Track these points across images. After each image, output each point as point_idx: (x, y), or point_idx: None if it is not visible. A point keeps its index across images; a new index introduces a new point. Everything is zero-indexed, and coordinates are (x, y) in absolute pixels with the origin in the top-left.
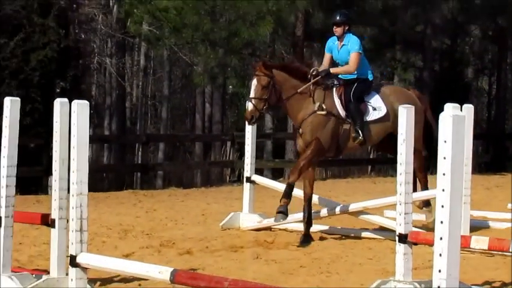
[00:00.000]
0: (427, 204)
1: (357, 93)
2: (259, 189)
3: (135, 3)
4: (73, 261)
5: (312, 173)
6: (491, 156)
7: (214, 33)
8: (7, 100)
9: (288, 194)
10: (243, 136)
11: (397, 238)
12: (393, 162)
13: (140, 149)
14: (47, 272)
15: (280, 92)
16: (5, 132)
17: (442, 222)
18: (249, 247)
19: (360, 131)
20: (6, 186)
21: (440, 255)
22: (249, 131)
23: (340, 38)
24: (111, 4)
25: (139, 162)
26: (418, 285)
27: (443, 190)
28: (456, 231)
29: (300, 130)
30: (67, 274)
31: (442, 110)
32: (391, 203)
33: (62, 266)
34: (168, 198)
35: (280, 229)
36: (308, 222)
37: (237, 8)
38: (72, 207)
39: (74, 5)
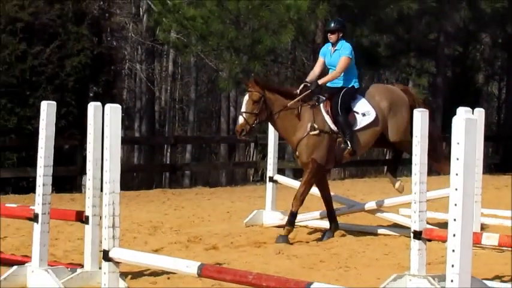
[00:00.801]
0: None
1: (343, 104)
2: (281, 188)
3: (164, 13)
4: (106, 256)
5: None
6: (501, 157)
7: (238, 41)
8: (44, 104)
9: (291, 223)
10: (266, 138)
11: (412, 235)
12: (408, 163)
13: (168, 150)
14: (81, 265)
15: (271, 109)
16: (42, 134)
17: (455, 219)
18: (271, 243)
19: (348, 142)
20: (43, 184)
21: (453, 251)
22: (272, 133)
23: (334, 44)
24: (141, 13)
25: (168, 162)
26: (431, 279)
27: (456, 189)
28: (468, 229)
29: (297, 153)
30: (100, 268)
31: (454, 113)
32: (406, 202)
33: (95, 260)
34: (195, 197)
35: (301, 226)
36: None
37: (260, 17)
38: (105, 205)
39: (107, 14)
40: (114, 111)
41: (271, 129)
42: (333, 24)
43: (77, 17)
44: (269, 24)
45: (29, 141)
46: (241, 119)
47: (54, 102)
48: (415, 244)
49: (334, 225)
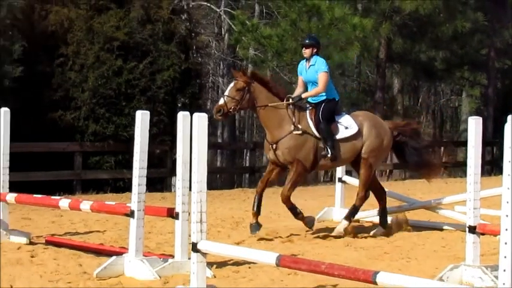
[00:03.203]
0: (348, 218)
1: (325, 113)
2: (349, 188)
3: (243, 32)
4: (194, 248)
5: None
6: None
7: None
8: (138, 113)
9: (297, 213)
10: None
11: (467, 229)
12: (462, 165)
13: (248, 154)
14: (172, 256)
15: (254, 99)
16: (137, 140)
17: (507, 215)
18: (340, 236)
19: (328, 149)
20: (138, 184)
21: (506, 243)
22: None
23: (308, 59)
24: (223, 33)
25: (247, 165)
26: (485, 269)
27: (508, 188)
28: None
29: (274, 146)
30: (189, 258)
31: (505, 121)
32: (461, 200)
33: (184, 251)
34: (272, 195)
35: (367, 221)
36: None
37: (329, 35)
38: (194, 202)
39: (193, 34)
40: (200, 119)
41: None
42: (307, 40)
43: (166, 36)
44: (337, 41)
45: (124, 146)
46: (221, 100)
47: (148, 112)
48: (470, 237)
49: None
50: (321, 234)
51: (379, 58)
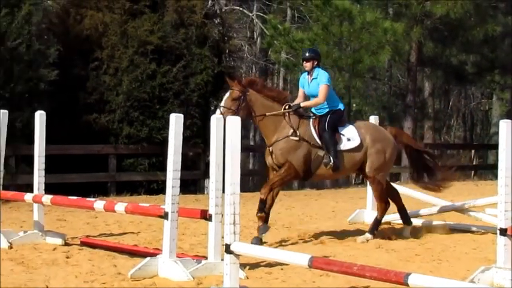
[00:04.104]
0: (371, 231)
1: (331, 123)
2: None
3: (276, 36)
4: (228, 249)
5: (277, 191)
6: None
7: (341, 60)
8: (172, 116)
9: (262, 209)
10: None
11: (498, 232)
12: (492, 167)
13: None
14: (205, 257)
15: (251, 108)
16: (171, 143)
17: None
18: (371, 239)
19: (331, 158)
20: (172, 186)
21: None
22: None
23: (310, 72)
24: (255, 37)
25: None
26: None
27: None
28: None
29: (270, 149)
30: (222, 259)
31: None
32: (492, 203)
33: (217, 253)
34: (303, 198)
35: (398, 224)
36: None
37: (360, 39)
38: (227, 204)
39: (225, 38)
40: (234, 122)
41: None
42: (307, 54)
43: (199, 40)
44: (368, 45)
45: (158, 148)
46: (217, 112)
47: (181, 115)
48: (501, 240)
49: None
50: (353, 236)
51: (410, 62)
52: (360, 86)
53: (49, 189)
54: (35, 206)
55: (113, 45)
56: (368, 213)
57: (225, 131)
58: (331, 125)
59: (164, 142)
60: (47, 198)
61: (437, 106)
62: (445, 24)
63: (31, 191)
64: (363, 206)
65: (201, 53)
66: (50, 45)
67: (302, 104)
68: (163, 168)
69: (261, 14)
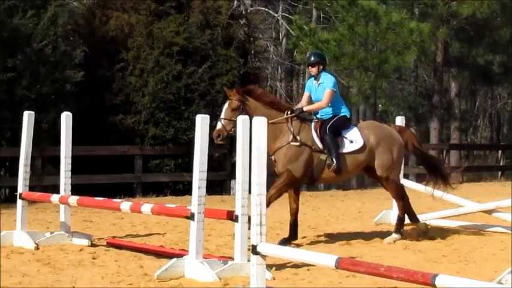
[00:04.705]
0: (398, 230)
1: (333, 127)
2: (406, 191)
3: (301, 37)
4: (254, 250)
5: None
6: None
7: (367, 61)
8: (198, 117)
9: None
10: None
11: None
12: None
13: None
14: (232, 258)
15: (251, 117)
16: (197, 143)
17: None
18: (398, 239)
19: (333, 160)
20: (198, 187)
21: None
22: None
23: (316, 77)
24: (280, 37)
25: None
26: None
27: None
28: None
29: (273, 157)
30: (248, 260)
31: None
32: None
33: (244, 253)
34: (329, 198)
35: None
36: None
37: (386, 40)
38: (254, 205)
39: (251, 39)
40: (260, 123)
41: None
42: (312, 58)
43: (225, 41)
44: (394, 45)
45: (184, 149)
46: (219, 125)
47: (207, 116)
48: None
49: (293, 237)
50: (379, 237)
51: (436, 62)
52: (386, 87)
53: (75, 190)
54: (62, 207)
55: (138, 46)
56: (394, 214)
57: (251, 132)
58: (333, 128)
59: (190, 143)
60: (74, 199)
61: (464, 106)
62: (472, 24)
63: (57, 192)
64: (389, 207)
65: (226, 53)
66: (76, 47)
67: (305, 108)
68: (189, 169)
69: (287, 15)
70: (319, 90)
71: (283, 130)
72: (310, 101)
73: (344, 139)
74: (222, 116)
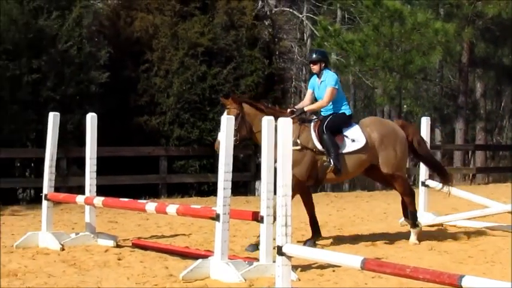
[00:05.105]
0: (414, 225)
1: (330, 125)
2: (432, 192)
3: (326, 37)
4: (280, 251)
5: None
6: None
7: (392, 61)
8: (224, 118)
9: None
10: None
11: None
12: None
13: None
14: (257, 259)
15: (251, 125)
16: (222, 145)
17: None
18: (424, 240)
19: (331, 160)
20: (224, 188)
21: None
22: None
23: (318, 75)
24: (305, 38)
25: None
26: None
27: None
28: None
29: (276, 165)
30: (274, 261)
31: None
32: None
33: (269, 254)
34: (355, 199)
35: (450, 225)
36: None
37: (411, 40)
38: (279, 206)
39: (276, 39)
40: (286, 124)
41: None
42: (314, 55)
43: (250, 42)
44: (419, 46)
45: (209, 150)
46: (219, 136)
47: (233, 117)
48: None
49: (317, 235)
50: (404, 238)
51: (461, 62)
52: (411, 87)
53: (100, 191)
54: (87, 208)
55: (163, 47)
56: (420, 215)
57: (277, 133)
58: (330, 126)
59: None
60: (99, 200)
61: (489, 107)
62: (497, 25)
63: (82, 193)
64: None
65: (251, 54)
66: (101, 48)
67: (306, 108)
68: (213, 170)
69: (311, 15)
70: (321, 88)
71: None
72: (314, 99)
73: (345, 138)
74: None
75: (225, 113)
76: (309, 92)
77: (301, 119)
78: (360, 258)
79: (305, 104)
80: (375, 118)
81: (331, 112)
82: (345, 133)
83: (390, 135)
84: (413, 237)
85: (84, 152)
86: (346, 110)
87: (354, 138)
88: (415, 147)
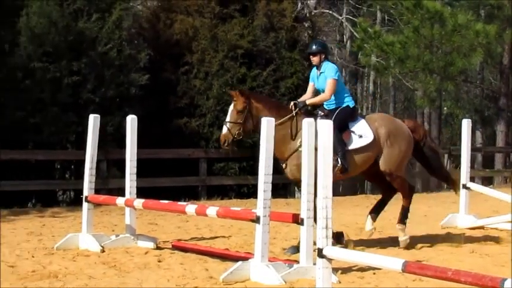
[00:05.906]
0: (402, 221)
1: (337, 121)
2: (473, 194)
3: (366, 39)
4: (320, 253)
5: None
6: None
7: (432, 63)
8: (264, 120)
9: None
10: (458, 149)
11: None
12: None
13: None
14: (297, 262)
15: (257, 119)
16: (263, 146)
17: None
18: (465, 243)
19: (338, 159)
20: (264, 190)
21: None
22: (465, 145)
23: (318, 67)
24: (345, 40)
25: None
26: None
27: None
28: None
29: (284, 165)
30: (314, 264)
31: None
32: None
33: (309, 257)
34: (395, 202)
35: (491, 228)
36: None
37: (452, 42)
38: (320, 208)
39: None
40: (325, 126)
41: (464, 142)
42: (314, 47)
43: (289, 43)
44: (460, 48)
45: (249, 152)
46: (224, 129)
47: (273, 119)
48: None
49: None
50: (446, 241)
51: (502, 64)
52: (452, 89)
53: (139, 193)
54: (127, 209)
55: (203, 49)
56: (461, 218)
57: (317, 134)
58: (337, 123)
59: (255, 146)
60: (139, 202)
61: None
62: None
63: (122, 195)
64: (456, 210)
65: (291, 56)
66: (141, 50)
67: (308, 102)
68: (253, 172)
69: (351, 17)
70: (320, 80)
71: (292, 133)
72: (315, 91)
73: (352, 134)
74: (228, 119)
75: (231, 106)
76: (310, 84)
77: (307, 113)
78: (401, 261)
79: (307, 97)
80: (383, 114)
81: (335, 106)
82: (351, 128)
83: (397, 132)
84: (400, 234)
85: (124, 154)
86: (349, 102)
87: (362, 133)
88: (424, 150)
